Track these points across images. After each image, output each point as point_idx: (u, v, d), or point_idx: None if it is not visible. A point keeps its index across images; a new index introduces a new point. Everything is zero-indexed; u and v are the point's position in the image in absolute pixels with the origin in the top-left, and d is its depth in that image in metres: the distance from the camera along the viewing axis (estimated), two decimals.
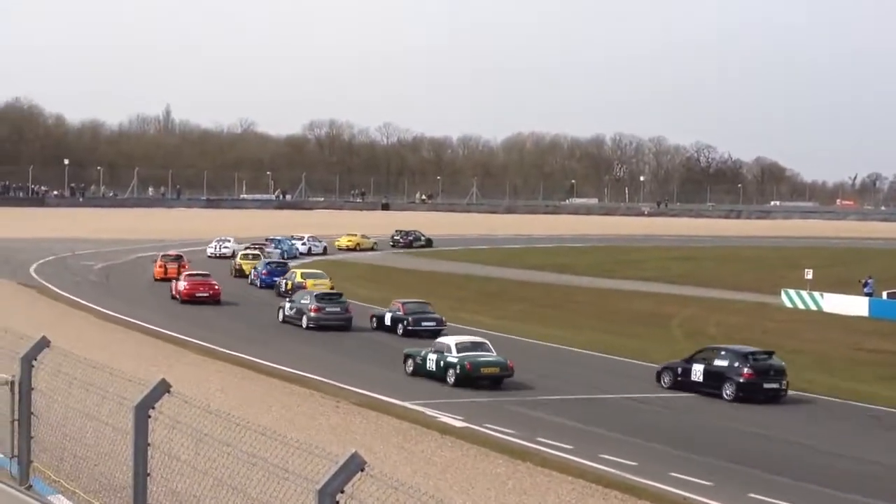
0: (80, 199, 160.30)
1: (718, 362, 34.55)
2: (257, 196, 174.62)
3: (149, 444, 10.80)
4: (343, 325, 46.68)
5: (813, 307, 61.16)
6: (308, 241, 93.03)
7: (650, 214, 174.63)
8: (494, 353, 35.47)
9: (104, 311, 49.07)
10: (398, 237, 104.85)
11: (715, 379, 34.26)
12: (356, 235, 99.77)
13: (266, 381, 32.71)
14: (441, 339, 36.74)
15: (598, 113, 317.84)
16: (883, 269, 77.98)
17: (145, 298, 56.82)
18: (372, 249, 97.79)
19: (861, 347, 47.73)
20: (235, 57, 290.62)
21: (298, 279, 58.49)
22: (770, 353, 35.38)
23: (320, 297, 47.59)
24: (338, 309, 47.02)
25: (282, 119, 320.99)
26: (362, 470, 8.12)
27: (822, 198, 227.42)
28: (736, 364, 34.17)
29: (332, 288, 54.90)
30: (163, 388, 10.73)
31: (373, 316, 47.72)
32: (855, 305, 60.09)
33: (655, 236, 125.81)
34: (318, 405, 29.32)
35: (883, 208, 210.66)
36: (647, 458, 25.46)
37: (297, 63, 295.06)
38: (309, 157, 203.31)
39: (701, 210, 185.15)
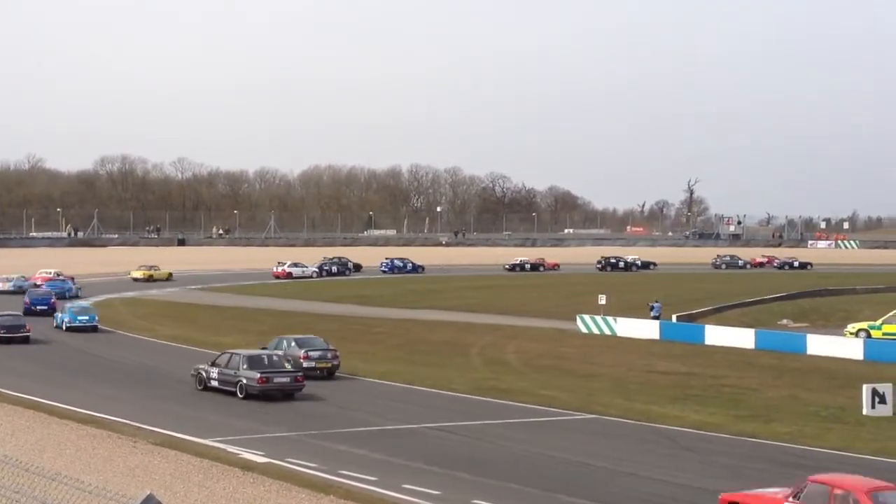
0: None
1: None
2: (47, 234, 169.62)
3: None
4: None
5: (607, 332, 62.63)
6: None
7: (448, 244, 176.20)
8: None
9: None
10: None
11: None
12: None
13: (60, 424, 31.75)
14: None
15: (394, 145, 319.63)
16: (669, 294, 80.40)
17: None
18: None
19: (653, 370, 49.05)
20: (21, 90, 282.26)
21: None
22: None
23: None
24: None
25: (72, 155, 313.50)
26: None
27: (613, 225, 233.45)
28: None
29: None
30: None
31: None
32: (646, 329, 61.77)
33: (454, 266, 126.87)
34: (115, 446, 28.62)
35: (670, 234, 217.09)
36: (451, 487, 25.62)
37: (87, 97, 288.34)
38: (101, 193, 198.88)
39: (498, 239, 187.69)
